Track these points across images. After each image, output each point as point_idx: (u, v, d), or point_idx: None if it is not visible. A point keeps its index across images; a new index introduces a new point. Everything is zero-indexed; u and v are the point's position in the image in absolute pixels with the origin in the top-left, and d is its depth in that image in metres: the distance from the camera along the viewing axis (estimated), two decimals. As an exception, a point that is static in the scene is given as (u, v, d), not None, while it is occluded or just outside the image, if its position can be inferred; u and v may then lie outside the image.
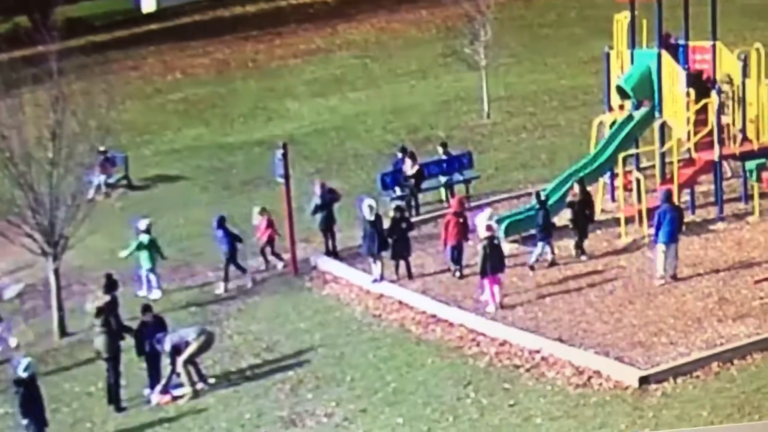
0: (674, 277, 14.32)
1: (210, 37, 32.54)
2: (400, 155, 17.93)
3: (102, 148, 18.55)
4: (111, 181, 20.46)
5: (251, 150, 22.22)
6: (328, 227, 16.18)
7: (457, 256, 14.92)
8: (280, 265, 16.12)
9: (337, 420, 12.19)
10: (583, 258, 15.24)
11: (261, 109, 25.52)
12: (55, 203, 14.79)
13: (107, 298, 13.49)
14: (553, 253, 15.22)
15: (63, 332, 14.94)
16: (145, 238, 15.60)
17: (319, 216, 16.13)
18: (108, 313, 13.27)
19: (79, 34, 29.73)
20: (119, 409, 12.98)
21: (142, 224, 15.70)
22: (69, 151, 15.01)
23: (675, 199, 15.12)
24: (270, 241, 16.16)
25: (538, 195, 15.48)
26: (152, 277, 15.63)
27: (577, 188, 15.39)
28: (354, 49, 29.96)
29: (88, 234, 15.78)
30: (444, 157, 18.07)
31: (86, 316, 14.47)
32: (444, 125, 22.21)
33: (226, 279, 15.62)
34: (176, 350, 12.92)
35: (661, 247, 14.22)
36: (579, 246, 15.31)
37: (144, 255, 15.60)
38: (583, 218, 15.33)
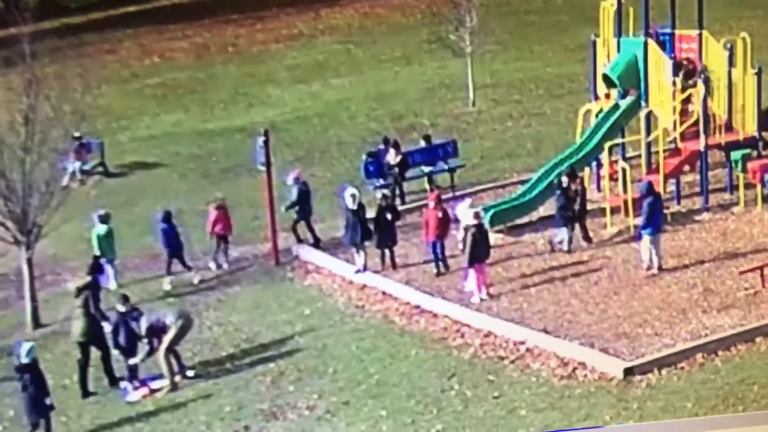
0: (660, 268, 14.23)
1: (189, 20, 32.11)
2: (382, 146, 17.69)
3: (77, 134, 18.10)
4: (86, 167, 20.09)
5: (232, 137, 21.95)
6: (305, 218, 15.91)
7: (440, 251, 14.65)
8: (213, 266, 15.49)
9: (319, 413, 12.07)
10: (585, 245, 14.99)
11: (242, 94, 25.20)
12: (28, 190, 14.48)
13: (88, 279, 13.26)
14: (570, 241, 15.01)
15: (37, 323, 14.67)
16: (102, 229, 15.27)
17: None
18: (88, 295, 13.04)
19: (53, 15, 29.11)
20: (86, 394, 12.74)
21: (99, 215, 15.36)
22: (42, 137, 14.70)
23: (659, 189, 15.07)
24: (222, 238, 15.60)
25: (560, 181, 15.18)
26: (109, 268, 15.28)
27: (565, 179, 15.20)
28: (337, 34, 29.69)
29: (63, 222, 15.49)
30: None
31: (61, 307, 14.18)
32: (428, 113, 22.04)
33: (168, 272, 15.18)
34: (152, 331, 12.70)
35: (648, 238, 14.11)
36: (585, 236, 15.08)
37: (100, 245, 15.28)
38: (579, 209, 15.03)
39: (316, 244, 15.92)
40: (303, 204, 15.91)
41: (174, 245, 15.25)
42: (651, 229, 14.13)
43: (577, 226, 15.19)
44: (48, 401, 11.98)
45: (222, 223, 15.71)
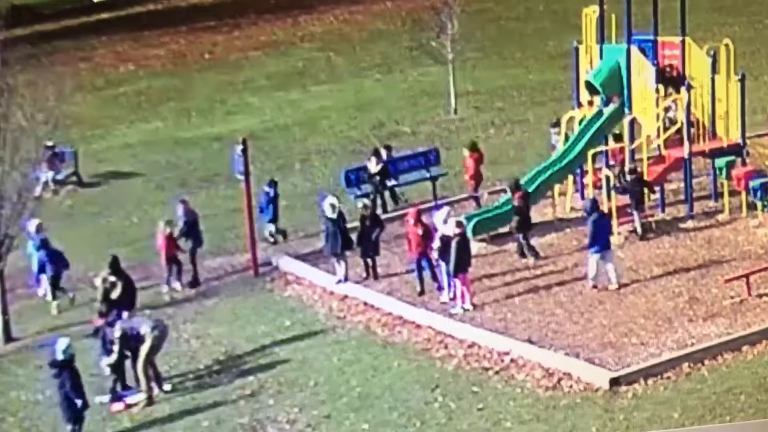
0: (619, 285, 14.02)
1: (165, 27, 31.85)
2: (372, 157, 17.06)
3: (50, 143, 17.83)
4: (59, 177, 19.72)
5: (209, 146, 21.72)
6: (194, 248, 15.25)
7: (428, 268, 14.28)
8: (177, 286, 15.08)
9: (300, 426, 11.88)
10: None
11: (219, 103, 24.96)
12: (-1, 201, 14.17)
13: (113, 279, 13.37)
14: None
15: (8, 337, 14.40)
16: (36, 240, 14.97)
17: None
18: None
19: (25, 22, 28.80)
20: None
21: (32, 225, 15.03)
22: (14, 146, 14.44)
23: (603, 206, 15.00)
24: (171, 259, 15.13)
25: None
26: (43, 277, 14.99)
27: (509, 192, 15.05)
28: (316, 41, 29.53)
29: (36, 233, 15.19)
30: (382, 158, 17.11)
31: (33, 321, 13.82)
32: (410, 121, 21.92)
33: (54, 296, 14.85)
34: (125, 339, 12.45)
35: (596, 256, 14.00)
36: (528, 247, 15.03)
37: (35, 257, 14.99)
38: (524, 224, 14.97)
39: (195, 282, 15.15)
40: (192, 233, 15.31)
41: (55, 269, 14.73)
42: (597, 247, 13.97)
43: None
44: (79, 404, 11.76)
45: (168, 245, 15.13)
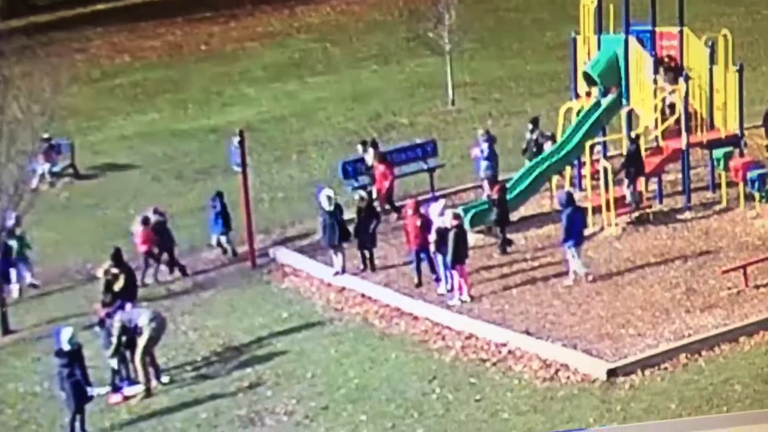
0: (595, 279, 14.04)
1: (161, 18, 31.68)
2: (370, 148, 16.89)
3: (46, 135, 17.69)
4: (56, 169, 19.66)
5: (206, 137, 21.64)
6: (168, 250, 15.23)
7: (427, 259, 14.26)
8: (150, 271, 15.04)
9: (297, 418, 11.88)
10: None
11: (216, 94, 24.86)
12: (-5, 193, 14.13)
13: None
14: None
15: (6, 330, 14.37)
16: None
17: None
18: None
19: (20, 14, 28.67)
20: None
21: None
22: (10, 138, 14.42)
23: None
24: (149, 254, 15.07)
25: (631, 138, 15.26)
26: (12, 271, 14.94)
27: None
28: (313, 32, 29.40)
29: (32, 226, 15.24)
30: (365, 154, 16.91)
31: (30, 313, 13.81)
32: (407, 112, 21.85)
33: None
34: (124, 331, 12.45)
35: (572, 250, 14.00)
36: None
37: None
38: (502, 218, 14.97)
39: (179, 269, 15.03)
40: (162, 236, 15.26)
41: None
42: (572, 241, 13.96)
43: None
44: (89, 392, 11.75)
45: (149, 241, 15.09)
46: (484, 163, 16.57)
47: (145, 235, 15.14)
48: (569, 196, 14.49)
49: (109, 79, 26.75)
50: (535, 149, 16.68)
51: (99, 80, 26.72)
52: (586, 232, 15.46)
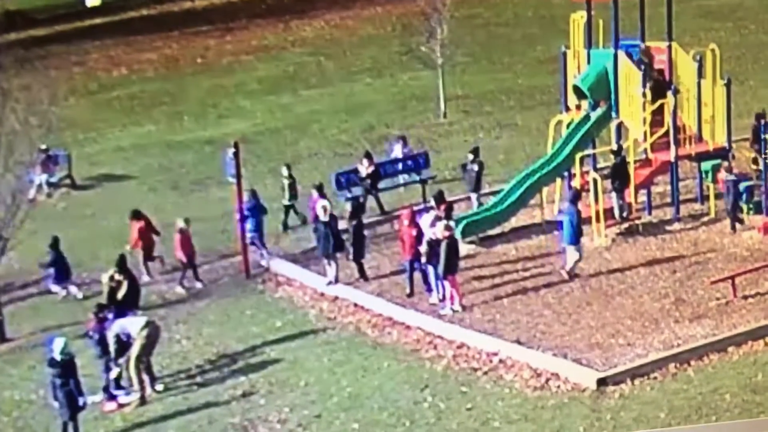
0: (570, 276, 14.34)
1: (157, 31, 31.93)
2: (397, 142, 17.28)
3: (43, 146, 17.87)
4: (53, 180, 19.83)
5: (201, 149, 21.79)
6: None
7: (421, 272, 14.32)
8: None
9: (290, 426, 11.93)
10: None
11: (211, 106, 25.03)
12: (-7, 203, 14.23)
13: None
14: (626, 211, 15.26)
15: (2, 338, 14.43)
16: None
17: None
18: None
19: (19, 27, 28.88)
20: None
21: None
22: (9, 149, 14.54)
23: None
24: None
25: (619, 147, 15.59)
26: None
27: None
28: (307, 46, 29.64)
29: (29, 235, 15.29)
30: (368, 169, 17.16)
31: (27, 321, 13.85)
32: (399, 124, 22.03)
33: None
34: (119, 340, 12.54)
35: (572, 247, 14.30)
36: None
37: None
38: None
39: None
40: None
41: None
42: (576, 238, 14.41)
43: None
44: (81, 401, 11.77)
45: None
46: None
47: (183, 242, 15.20)
48: (577, 193, 14.73)
49: (106, 92, 26.94)
50: (476, 180, 16.59)
51: (96, 92, 26.92)
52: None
